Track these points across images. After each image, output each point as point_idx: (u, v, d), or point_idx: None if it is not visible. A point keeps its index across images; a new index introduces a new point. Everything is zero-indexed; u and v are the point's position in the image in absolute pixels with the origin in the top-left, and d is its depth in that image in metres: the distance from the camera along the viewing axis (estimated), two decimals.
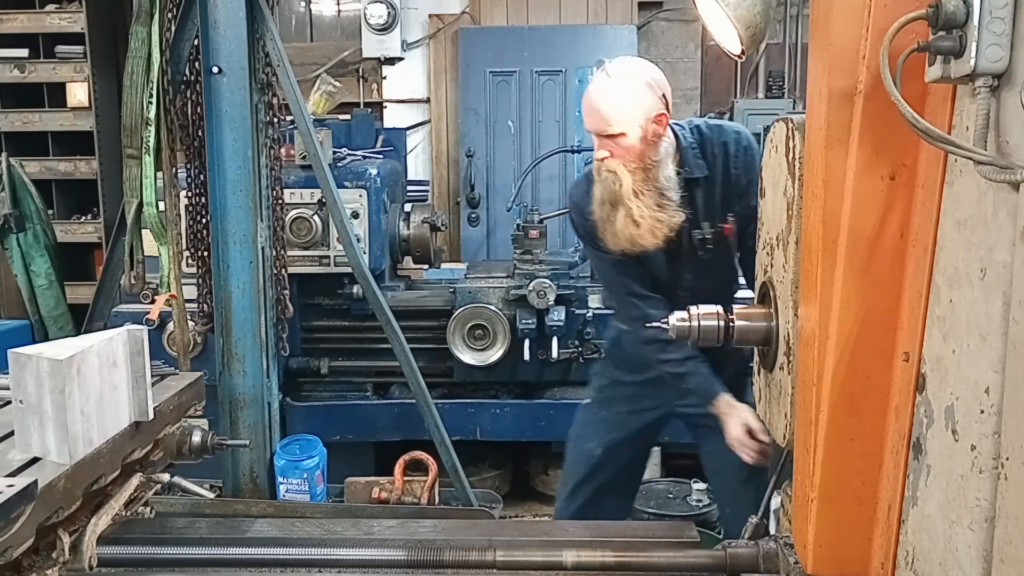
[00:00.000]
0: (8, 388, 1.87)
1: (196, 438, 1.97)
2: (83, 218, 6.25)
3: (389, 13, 6.38)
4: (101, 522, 1.62)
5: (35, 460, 1.48)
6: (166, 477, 1.95)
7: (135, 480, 1.75)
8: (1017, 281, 1.07)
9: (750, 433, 2.38)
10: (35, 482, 1.29)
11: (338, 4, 6.83)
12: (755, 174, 2.47)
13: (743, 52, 2.61)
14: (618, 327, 2.84)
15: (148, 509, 2.07)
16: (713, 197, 2.51)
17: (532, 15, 6.55)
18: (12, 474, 1.42)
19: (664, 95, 2.42)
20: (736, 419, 2.42)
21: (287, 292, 3.33)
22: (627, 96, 2.36)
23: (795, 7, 6.17)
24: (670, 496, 3.67)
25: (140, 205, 3.00)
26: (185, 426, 1.99)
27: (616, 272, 2.67)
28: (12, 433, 1.56)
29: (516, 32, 6.41)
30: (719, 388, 2.50)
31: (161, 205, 3.03)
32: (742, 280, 2.71)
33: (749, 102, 6.31)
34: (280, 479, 3.36)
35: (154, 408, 1.71)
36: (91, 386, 1.51)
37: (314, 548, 2.01)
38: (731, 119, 6.30)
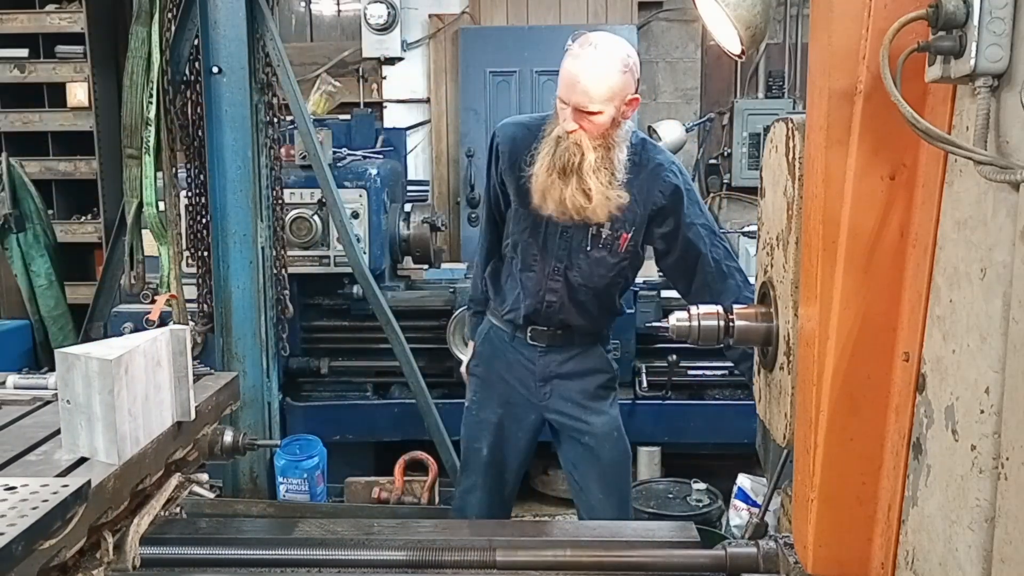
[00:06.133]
0: (42, 388, 1.89)
1: (228, 438, 1.94)
2: (83, 218, 6.25)
3: (389, 13, 6.37)
4: (143, 522, 1.61)
5: (82, 460, 1.47)
6: (204, 477, 1.91)
7: (174, 480, 1.74)
8: (1017, 281, 1.07)
9: None
10: (88, 482, 1.28)
11: (338, 4, 6.82)
12: (678, 214, 2.55)
13: (743, 52, 2.61)
14: (490, 321, 2.82)
15: (180, 509, 2.06)
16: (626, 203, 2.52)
17: (532, 15, 6.54)
18: (62, 474, 1.41)
19: (637, 78, 2.44)
20: None
21: (287, 292, 3.33)
22: (611, 77, 2.36)
23: (795, 7, 6.17)
24: (670, 496, 3.66)
25: (140, 205, 3.00)
26: (216, 426, 1.97)
27: (487, 233, 2.83)
28: (57, 432, 1.55)
29: (516, 32, 6.41)
30: None
31: (161, 205, 3.03)
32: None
33: (749, 102, 6.31)
34: (280, 479, 3.37)
35: (195, 408, 1.70)
36: (138, 386, 1.50)
37: (314, 548, 2.01)
38: (731, 119, 6.31)
